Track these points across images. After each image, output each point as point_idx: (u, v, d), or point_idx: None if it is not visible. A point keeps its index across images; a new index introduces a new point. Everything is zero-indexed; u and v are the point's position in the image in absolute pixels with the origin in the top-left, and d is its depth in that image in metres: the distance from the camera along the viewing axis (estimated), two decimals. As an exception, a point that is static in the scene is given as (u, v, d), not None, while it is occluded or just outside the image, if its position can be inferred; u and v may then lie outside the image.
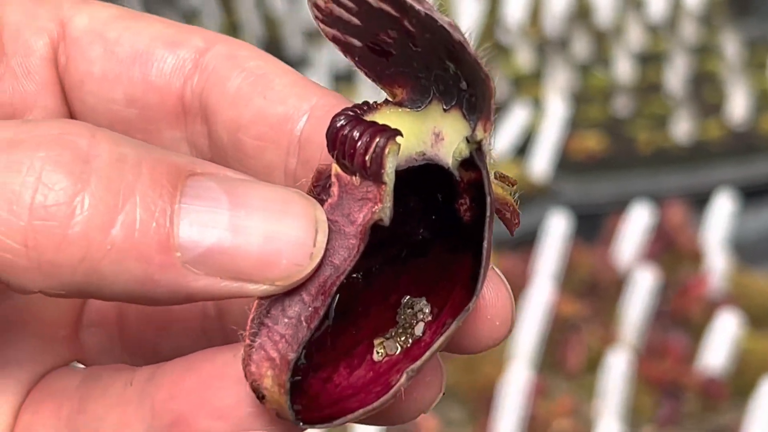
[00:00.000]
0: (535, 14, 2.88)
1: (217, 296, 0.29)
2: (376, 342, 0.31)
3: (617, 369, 1.83)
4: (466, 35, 0.28)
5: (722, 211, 2.26)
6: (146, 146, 0.30)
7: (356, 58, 0.31)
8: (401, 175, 0.31)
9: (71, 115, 0.36)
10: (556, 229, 2.07)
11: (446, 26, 0.28)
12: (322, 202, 0.30)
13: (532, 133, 2.41)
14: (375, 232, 0.31)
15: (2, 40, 0.36)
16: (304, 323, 0.30)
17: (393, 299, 0.32)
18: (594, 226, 2.28)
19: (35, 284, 0.28)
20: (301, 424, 0.29)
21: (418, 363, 0.28)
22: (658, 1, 2.95)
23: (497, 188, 0.31)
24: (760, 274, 2.29)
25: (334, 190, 0.31)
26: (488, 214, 0.29)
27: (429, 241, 0.33)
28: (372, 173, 0.30)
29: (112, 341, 0.38)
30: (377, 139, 0.29)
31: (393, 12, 0.29)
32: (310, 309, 0.30)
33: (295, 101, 0.33)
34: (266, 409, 0.29)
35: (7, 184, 0.27)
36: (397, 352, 0.31)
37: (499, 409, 1.80)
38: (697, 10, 2.99)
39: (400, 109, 0.31)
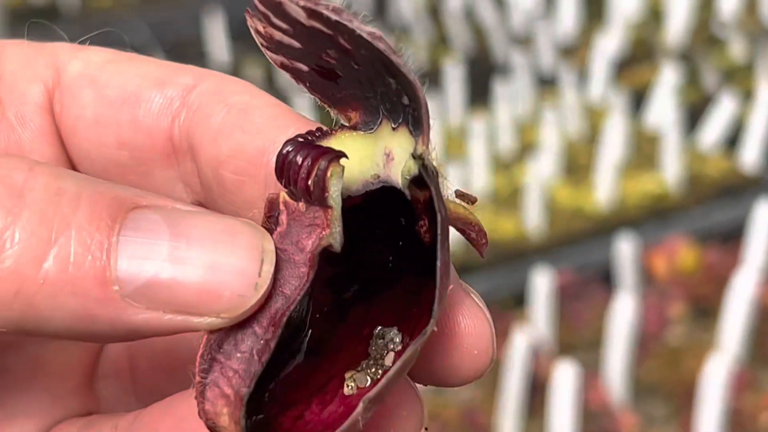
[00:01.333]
0: (751, 4, 2.80)
1: (162, 331, 0.29)
2: (347, 375, 0.31)
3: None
4: (392, 44, 0.28)
5: None
6: (91, 180, 0.30)
7: (307, 84, 0.32)
8: (362, 202, 0.31)
9: (71, 161, 0.36)
10: (766, 219, 2.01)
11: (366, 36, 0.28)
12: (271, 231, 0.30)
13: (743, 124, 2.34)
14: (343, 263, 0.31)
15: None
16: (256, 357, 0.29)
17: (366, 332, 0.32)
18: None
19: None
20: None
21: (374, 391, 0.28)
22: None
23: (457, 207, 0.31)
24: None
25: (283, 218, 0.30)
26: (439, 232, 0.28)
27: (399, 269, 0.33)
28: (316, 197, 0.29)
29: (126, 391, 0.39)
30: (319, 162, 0.29)
31: (325, 29, 0.29)
32: (261, 342, 0.29)
33: (272, 133, 0.32)
34: None
35: None
36: (368, 384, 0.30)
37: (703, 404, 1.77)
38: None
39: (354, 133, 0.31)
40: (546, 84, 2.64)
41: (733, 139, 2.35)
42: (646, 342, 1.84)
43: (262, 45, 0.31)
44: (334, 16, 0.27)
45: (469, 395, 1.79)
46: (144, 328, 0.28)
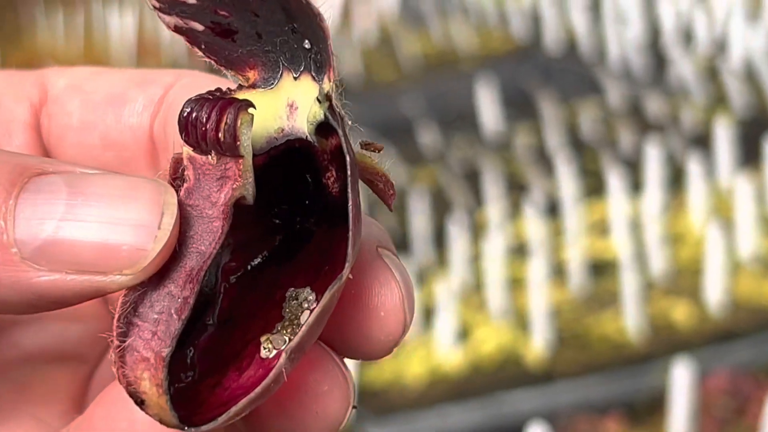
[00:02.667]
0: None
1: (70, 294, 0.28)
2: (263, 339, 0.30)
3: None
4: None
5: None
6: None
7: (202, 47, 0.31)
8: (266, 161, 0.30)
9: None
10: None
11: None
12: (178, 188, 0.29)
13: None
14: (250, 225, 0.31)
15: None
16: (174, 315, 0.28)
17: (278, 296, 0.31)
18: None
19: None
20: (186, 428, 0.28)
21: (295, 340, 0.28)
22: None
23: (363, 158, 0.31)
24: None
25: (189, 173, 0.29)
26: (349, 173, 0.28)
27: (307, 227, 0.32)
28: (227, 147, 0.28)
29: None
30: (228, 111, 0.28)
31: None
32: (179, 300, 0.28)
33: None
34: (149, 416, 0.28)
35: None
36: (285, 345, 0.29)
37: None
38: None
39: (253, 91, 0.31)
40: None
41: None
42: None
43: (154, 7, 0.30)
44: None
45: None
46: (50, 292, 0.28)
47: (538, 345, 1.97)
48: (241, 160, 0.29)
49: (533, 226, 2.18)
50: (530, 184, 2.49)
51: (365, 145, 0.31)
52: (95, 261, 0.27)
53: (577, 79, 3.05)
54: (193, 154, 0.29)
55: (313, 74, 0.30)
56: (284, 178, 0.32)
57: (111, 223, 0.28)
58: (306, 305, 0.30)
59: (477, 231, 2.28)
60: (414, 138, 2.83)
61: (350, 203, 0.28)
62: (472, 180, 2.54)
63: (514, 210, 2.35)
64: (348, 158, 0.28)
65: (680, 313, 2.04)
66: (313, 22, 0.28)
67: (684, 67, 2.94)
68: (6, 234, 0.27)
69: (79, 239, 0.27)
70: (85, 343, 0.37)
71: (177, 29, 0.31)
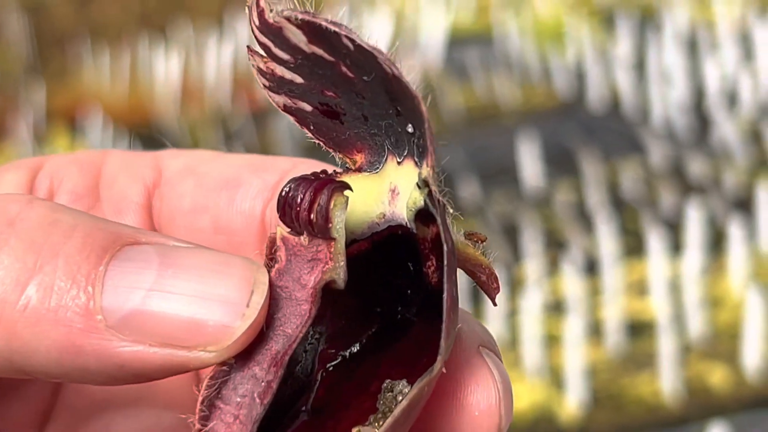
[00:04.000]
0: None
1: (152, 366, 0.27)
2: (354, 430, 0.29)
3: None
4: (391, 56, 0.28)
5: None
6: (92, 216, 0.29)
7: (311, 127, 0.31)
8: (368, 248, 0.30)
9: None
10: None
11: (366, 47, 0.27)
12: (270, 269, 0.29)
13: None
14: (352, 313, 0.31)
15: (99, 188, 0.37)
16: (257, 400, 0.28)
17: (374, 387, 0.30)
18: None
19: None
20: None
21: (382, 430, 0.27)
22: None
23: (466, 248, 0.30)
24: None
25: (281, 254, 0.29)
26: (446, 263, 0.28)
27: (408, 317, 0.32)
28: (319, 228, 0.28)
29: None
30: (322, 192, 0.28)
31: (327, 56, 0.29)
32: (263, 383, 0.28)
33: None
34: None
35: None
36: None
37: None
38: None
39: (359, 174, 0.30)
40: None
41: None
42: None
43: (264, 86, 0.31)
44: (333, 28, 0.27)
45: None
46: (132, 364, 0.27)
47: (572, 404, 1.98)
48: (332, 243, 0.28)
49: (571, 283, 2.19)
50: (569, 241, 2.51)
51: (468, 236, 0.30)
52: (180, 335, 0.27)
53: (619, 138, 3.07)
54: (286, 234, 0.29)
55: (416, 159, 0.29)
56: (387, 265, 0.31)
57: (199, 298, 0.27)
58: (400, 398, 0.29)
59: (515, 286, 2.30)
60: (454, 190, 2.83)
61: (445, 294, 0.27)
62: (511, 235, 2.56)
63: (553, 267, 2.36)
64: (446, 247, 0.28)
65: (717, 377, 2.04)
66: (412, 104, 0.28)
67: (727, 129, 2.96)
68: (93, 300, 0.27)
69: (166, 312, 0.27)
70: None
71: (286, 109, 0.31)
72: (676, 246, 2.35)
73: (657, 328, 2.06)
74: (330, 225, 0.28)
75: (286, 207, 0.29)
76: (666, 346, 2.00)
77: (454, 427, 0.30)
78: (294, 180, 0.29)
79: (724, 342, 2.13)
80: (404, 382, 0.30)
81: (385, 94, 0.29)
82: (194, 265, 0.28)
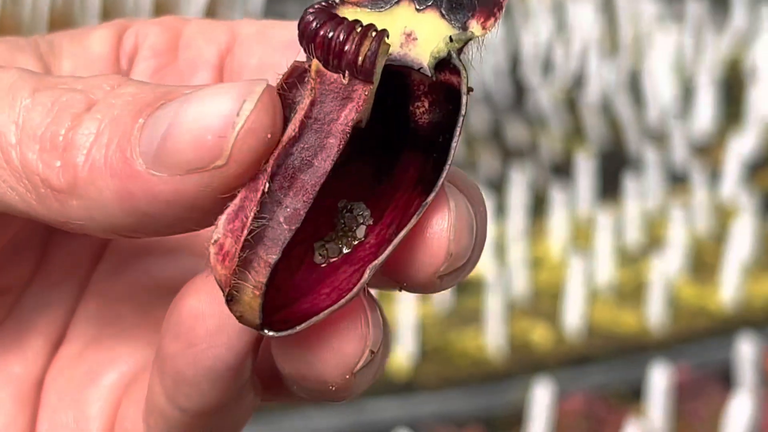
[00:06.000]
0: None
1: (189, 194, 0.29)
2: (317, 245, 0.31)
3: None
4: None
5: None
6: (150, 84, 0.32)
7: None
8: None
9: None
10: None
11: None
12: (291, 97, 0.30)
13: None
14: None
15: (178, 48, 0.40)
16: (285, 225, 0.29)
17: (328, 203, 0.31)
18: None
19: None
20: (263, 331, 0.29)
21: (380, 259, 0.29)
22: None
23: None
24: None
25: (315, 86, 0.30)
26: (463, 113, 0.30)
27: (365, 146, 0.32)
28: (364, 72, 0.29)
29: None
30: (369, 38, 0.29)
31: None
32: (289, 210, 0.29)
33: None
34: (230, 312, 0.29)
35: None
36: (339, 255, 0.31)
37: None
38: None
39: (359, 9, 0.31)
40: (678, 181, 2.74)
41: None
42: (763, 444, 1.87)
43: None
44: None
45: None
46: (174, 196, 0.29)
47: (402, 357, 2.07)
48: (369, 86, 0.29)
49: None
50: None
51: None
52: (195, 157, 0.29)
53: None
54: (322, 68, 0.30)
55: (443, 12, 0.30)
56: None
57: (201, 118, 0.29)
58: (361, 220, 0.31)
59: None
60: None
61: (455, 141, 0.29)
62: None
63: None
64: (465, 98, 0.29)
65: (538, 334, 2.18)
66: None
67: (543, 96, 3.11)
68: (133, 149, 0.29)
69: (180, 140, 0.29)
70: None
71: None
72: (500, 208, 2.47)
73: (483, 285, 2.16)
74: (374, 70, 0.29)
75: (322, 43, 0.29)
76: (491, 304, 2.11)
77: (411, 245, 0.31)
78: (317, 13, 0.30)
79: (545, 301, 2.27)
80: (363, 204, 0.32)
81: None
82: (204, 94, 0.30)
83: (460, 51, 0.30)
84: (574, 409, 1.95)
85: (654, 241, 2.46)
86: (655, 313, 2.18)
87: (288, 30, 0.38)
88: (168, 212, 0.30)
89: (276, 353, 0.32)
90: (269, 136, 0.29)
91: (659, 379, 1.88)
